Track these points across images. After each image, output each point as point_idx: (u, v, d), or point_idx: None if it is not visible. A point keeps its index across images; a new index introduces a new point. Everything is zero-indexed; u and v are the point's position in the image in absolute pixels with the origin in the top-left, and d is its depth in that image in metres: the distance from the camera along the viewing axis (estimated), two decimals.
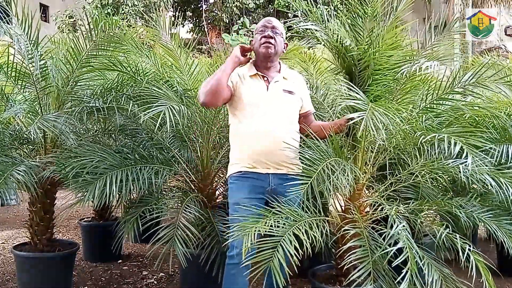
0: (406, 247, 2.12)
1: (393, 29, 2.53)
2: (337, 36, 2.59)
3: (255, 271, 2.15)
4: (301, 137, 2.56)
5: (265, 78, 2.55)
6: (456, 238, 2.20)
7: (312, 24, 2.67)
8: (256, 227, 2.15)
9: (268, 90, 2.52)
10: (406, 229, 2.24)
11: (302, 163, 2.40)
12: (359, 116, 2.19)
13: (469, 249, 2.14)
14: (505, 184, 2.35)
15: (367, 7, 2.52)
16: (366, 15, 2.52)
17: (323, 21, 2.69)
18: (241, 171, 2.48)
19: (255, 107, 2.48)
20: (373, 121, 2.13)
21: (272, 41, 2.51)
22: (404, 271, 2.07)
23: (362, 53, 2.48)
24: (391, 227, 2.23)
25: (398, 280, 2.10)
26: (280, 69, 2.62)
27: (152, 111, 2.55)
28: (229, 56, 2.54)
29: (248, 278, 2.34)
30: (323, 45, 2.74)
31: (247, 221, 2.25)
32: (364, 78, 2.56)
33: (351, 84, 2.49)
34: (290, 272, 2.26)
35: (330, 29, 2.64)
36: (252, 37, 2.69)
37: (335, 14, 2.71)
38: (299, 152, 2.46)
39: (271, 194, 2.45)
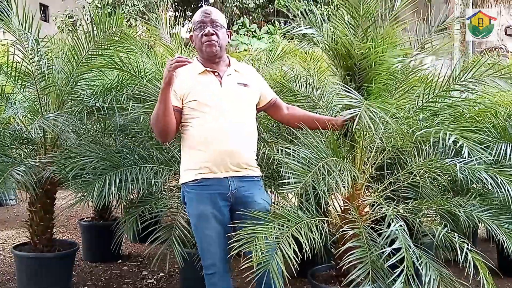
0: (403, 247, 2.11)
1: (393, 29, 2.52)
2: (333, 36, 2.54)
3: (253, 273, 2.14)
4: (294, 133, 2.49)
5: (216, 73, 2.32)
6: (455, 238, 2.19)
7: (308, 28, 2.63)
8: (264, 232, 2.13)
9: (222, 86, 2.29)
10: (404, 229, 2.23)
11: (298, 162, 2.33)
12: (353, 113, 2.18)
13: (467, 249, 2.13)
14: (504, 183, 2.35)
15: (359, 7, 2.49)
16: (359, 15, 2.49)
17: (319, 23, 2.66)
18: (196, 179, 2.25)
19: (210, 107, 2.24)
20: (368, 116, 2.13)
21: (214, 37, 2.27)
22: (399, 271, 2.06)
23: (365, 52, 2.45)
24: (389, 226, 2.23)
25: (394, 278, 2.10)
26: (229, 63, 2.39)
27: (146, 111, 2.53)
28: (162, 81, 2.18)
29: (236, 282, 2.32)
30: (321, 48, 2.71)
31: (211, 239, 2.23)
32: (365, 78, 2.53)
33: (345, 84, 2.47)
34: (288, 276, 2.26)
35: (329, 31, 2.61)
36: (253, 36, 2.66)
37: (334, 14, 2.67)
38: (294, 150, 2.39)
39: (234, 197, 2.27)
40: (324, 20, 2.67)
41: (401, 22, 2.63)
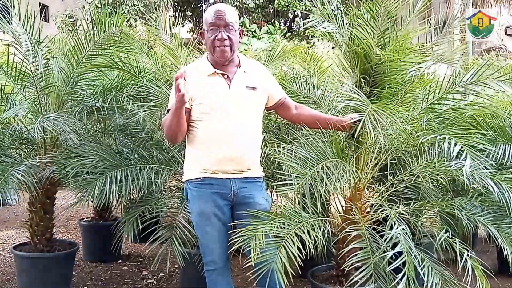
0: (405, 251, 2.11)
1: (408, 34, 2.48)
2: (352, 36, 2.48)
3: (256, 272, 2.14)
4: (294, 134, 2.48)
5: (225, 76, 2.28)
6: (455, 242, 2.18)
7: (330, 25, 2.58)
8: (263, 229, 2.14)
9: (230, 90, 2.27)
10: (406, 232, 2.22)
11: (295, 162, 2.32)
12: (359, 116, 2.19)
13: (467, 255, 2.13)
14: (505, 189, 2.34)
15: (380, 7, 2.45)
16: (380, 16, 2.46)
17: (340, 22, 2.62)
18: (199, 177, 2.27)
19: (217, 110, 2.23)
20: (372, 121, 2.13)
21: (227, 42, 2.21)
22: (401, 274, 2.06)
23: (382, 56, 2.41)
24: (391, 228, 2.23)
25: (397, 281, 2.09)
26: (239, 63, 2.34)
27: (146, 111, 2.52)
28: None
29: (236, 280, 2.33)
30: (338, 47, 2.64)
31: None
32: (378, 82, 2.51)
33: (353, 86, 2.45)
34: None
35: (347, 30, 2.56)
36: (253, 36, 2.63)
37: (354, 13, 2.60)
38: (293, 150, 2.38)
39: (235, 198, 2.29)
40: (342, 18, 2.61)
41: (415, 27, 2.59)
